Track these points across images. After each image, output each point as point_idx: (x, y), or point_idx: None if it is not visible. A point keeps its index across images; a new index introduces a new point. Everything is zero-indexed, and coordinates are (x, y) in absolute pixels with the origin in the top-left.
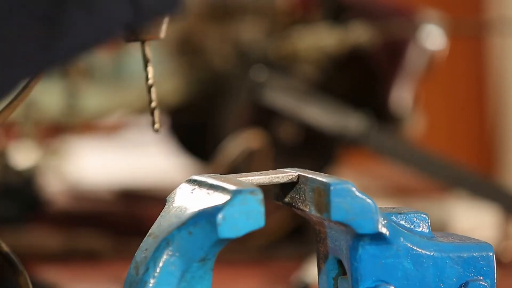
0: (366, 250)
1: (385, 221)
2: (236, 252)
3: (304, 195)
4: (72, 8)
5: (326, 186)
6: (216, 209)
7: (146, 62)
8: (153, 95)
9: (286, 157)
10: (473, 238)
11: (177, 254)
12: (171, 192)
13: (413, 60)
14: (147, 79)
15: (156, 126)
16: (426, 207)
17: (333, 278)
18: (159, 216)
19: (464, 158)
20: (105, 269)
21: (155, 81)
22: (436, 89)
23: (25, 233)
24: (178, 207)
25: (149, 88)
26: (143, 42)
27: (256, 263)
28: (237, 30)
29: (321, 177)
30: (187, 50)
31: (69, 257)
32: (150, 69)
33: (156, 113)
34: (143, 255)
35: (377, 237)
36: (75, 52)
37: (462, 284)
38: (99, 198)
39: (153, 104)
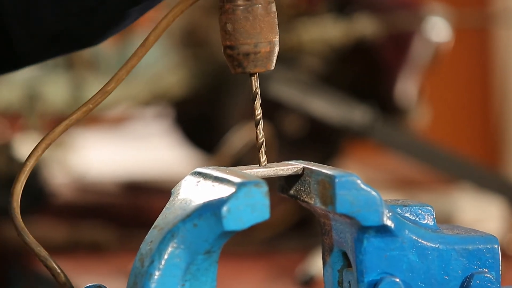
0: (371, 243)
1: (390, 214)
2: (241, 244)
3: (309, 188)
4: None
5: (331, 179)
6: (221, 202)
7: (254, 95)
8: (261, 130)
9: (291, 149)
10: (478, 231)
11: (182, 247)
12: (176, 184)
13: (418, 53)
14: (255, 113)
15: (263, 162)
16: (431, 199)
17: (338, 271)
18: (164, 208)
19: (468, 150)
20: (110, 261)
21: (259, 116)
22: (441, 81)
23: (30, 225)
24: (183, 200)
25: (257, 123)
26: (251, 75)
27: (261, 255)
28: None
29: (326, 170)
30: (192, 42)
31: (74, 249)
32: (258, 103)
33: (263, 149)
34: (148, 247)
35: (382, 230)
36: None
37: (467, 276)
38: (104, 190)
39: (261, 140)
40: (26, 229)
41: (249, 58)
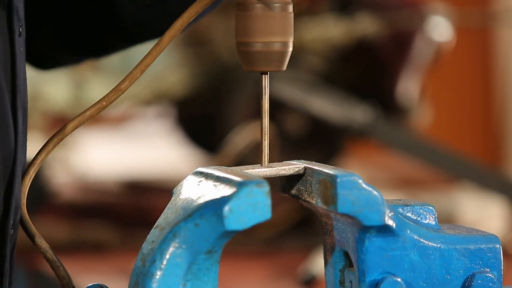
0: (373, 242)
1: (392, 213)
2: (243, 244)
3: (311, 187)
4: None
5: (332, 178)
6: (223, 201)
7: (263, 94)
8: (266, 128)
9: (292, 149)
10: (480, 230)
11: (183, 246)
12: (177, 184)
13: (420, 52)
14: (263, 110)
15: (265, 162)
16: (432, 198)
17: (340, 270)
18: (166, 208)
19: (470, 149)
20: (112, 260)
21: (266, 112)
22: (442, 80)
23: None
24: (185, 199)
25: (263, 122)
26: (262, 74)
27: (262, 255)
28: None
29: (327, 169)
30: (193, 41)
31: (76, 249)
32: (267, 102)
33: (266, 149)
34: (150, 247)
35: (384, 229)
36: None
37: (468, 276)
38: (105, 189)
39: (265, 140)
40: (30, 220)
41: (262, 57)
